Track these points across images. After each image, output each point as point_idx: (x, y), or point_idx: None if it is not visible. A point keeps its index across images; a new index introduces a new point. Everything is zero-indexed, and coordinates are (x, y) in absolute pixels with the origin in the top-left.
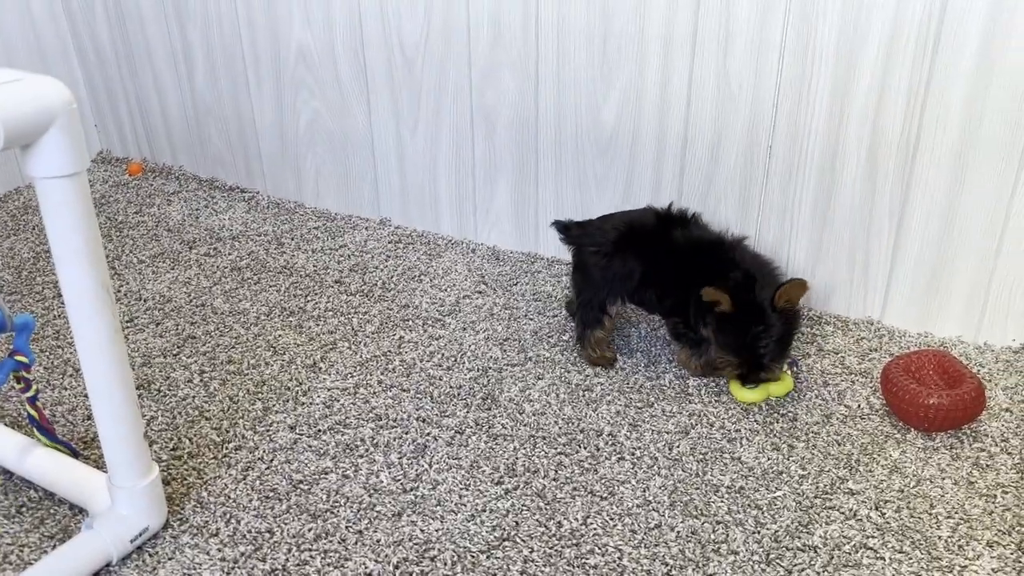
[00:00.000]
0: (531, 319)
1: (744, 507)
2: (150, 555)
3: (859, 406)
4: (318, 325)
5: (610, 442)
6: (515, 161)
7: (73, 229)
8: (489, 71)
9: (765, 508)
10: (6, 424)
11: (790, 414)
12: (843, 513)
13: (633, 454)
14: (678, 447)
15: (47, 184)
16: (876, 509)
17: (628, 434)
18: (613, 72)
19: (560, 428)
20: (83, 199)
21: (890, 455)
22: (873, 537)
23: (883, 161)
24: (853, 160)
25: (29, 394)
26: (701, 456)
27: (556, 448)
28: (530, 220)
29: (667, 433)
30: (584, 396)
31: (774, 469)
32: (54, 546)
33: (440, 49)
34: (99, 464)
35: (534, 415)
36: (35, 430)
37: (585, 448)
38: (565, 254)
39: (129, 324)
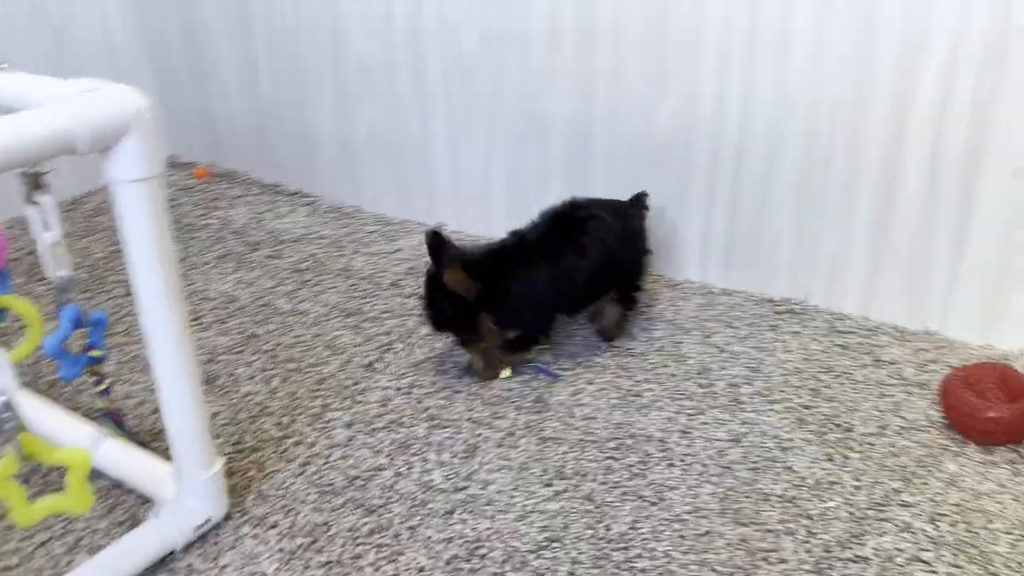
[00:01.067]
0: (581, 326)
1: (795, 516)
2: (212, 544)
3: (916, 418)
4: (375, 326)
5: (660, 448)
6: (568, 167)
7: (146, 231)
8: (545, 79)
9: (816, 518)
10: (80, 416)
11: (845, 424)
12: (896, 525)
13: (683, 461)
14: (729, 455)
15: (123, 187)
16: (931, 522)
17: (678, 441)
18: (668, 79)
19: (610, 433)
20: (156, 202)
21: (947, 468)
22: (927, 550)
23: (945, 170)
24: (914, 169)
25: (102, 387)
26: (753, 465)
27: (605, 452)
28: None
29: (718, 441)
30: (634, 402)
31: (827, 479)
32: (123, 532)
33: (496, 58)
34: (166, 456)
35: (584, 419)
36: (107, 421)
37: (634, 453)
38: None
39: (195, 322)
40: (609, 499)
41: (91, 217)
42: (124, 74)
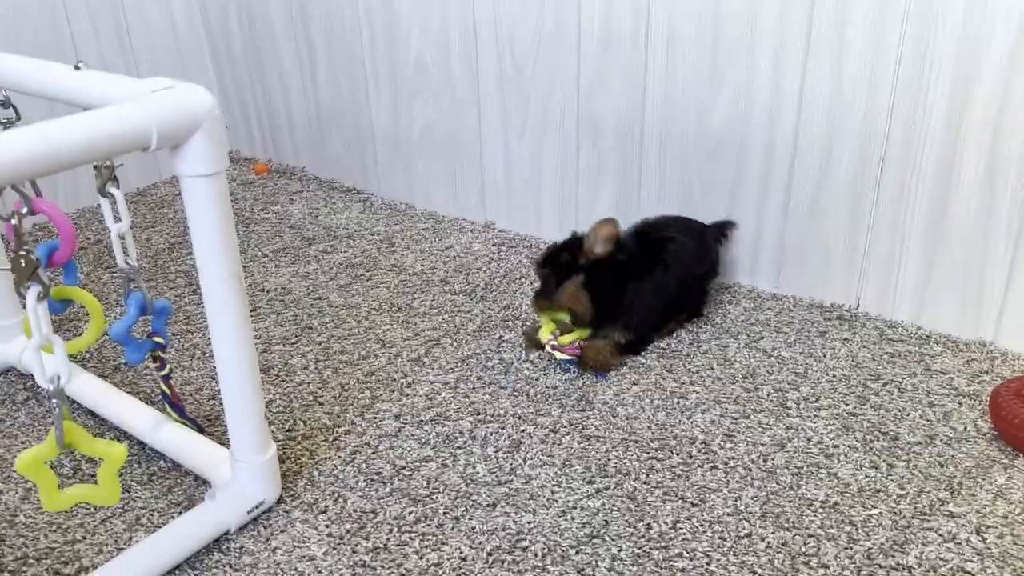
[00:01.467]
0: None
1: (838, 523)
2: (264, 527)
3: (965, 428)
4: (423, 321)
5: (703, 450)
6: (619, 165)
7: (212, 223)
8: (598, 76)
9: (859, 525)
10: (141, 399)
11: (892, 433)
12: (941, 535)
13: (726, 464)
14: (773, 459)
15: (191, 182)
16: (977, 534)
17: (722, 444)
18: (723, 77)
19: (653, 433)
20: (222, 196)
21: (995, 480)
22: (972, 561)
23: (1003, 174)
24: (971, 173)
25: (163, 373)
26: (796, 470)
27: (648, 452)
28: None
29: (762, 445)
30: (679, 404)
31: (871, 487)
32: (179, 512)
33: (550, 56)
34: (221, 440)
35: (627, 419)
36: (167, 406)
37: (677, 454)
38: None
39: (253, 313)
40: (650, 498)
41: (154, 209)
42: (188, 71)
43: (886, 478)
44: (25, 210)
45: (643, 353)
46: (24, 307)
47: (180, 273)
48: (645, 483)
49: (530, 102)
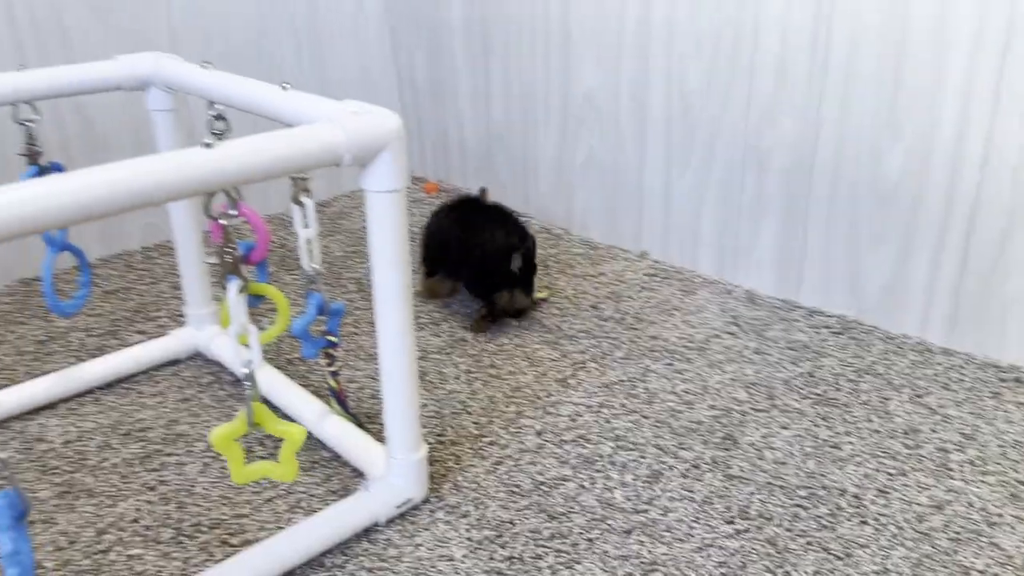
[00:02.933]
0: (783, 367)
1: None
2: (410, 523)
3: None
4: (571, 344)
5: (853, 503)
6: (784, 205)
7: (390, 235)
8: (768, 113)
9: None
10: (311, 392)
11: None
12: None
13: (877, 520)
14: (929, 521)
15: (375, 197)
16: None
17: (874, 499)
18: (902, 123)
19: (800, 480)
20: (400, 211)
21: None
22: None
23: None
24: None
25: (333, 369)
26: (954, 535)
27: (794, 499)
28: (793, 266)
29: (919, 505)
30: (831, 453)
31: None
32: (336, 500)
33: (721, 91)
34: (378, 437)
35: (774, 463)
36: (332, 400)
37: (825, 505)
38: (827, 305)
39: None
40: (792, 546)
41: (334, 220)
42: (376, 94)
43: None
44: (233, 212)
45: (798, 397)
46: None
47: (352, 279)
48: (788, 530)
49: (695, 136)
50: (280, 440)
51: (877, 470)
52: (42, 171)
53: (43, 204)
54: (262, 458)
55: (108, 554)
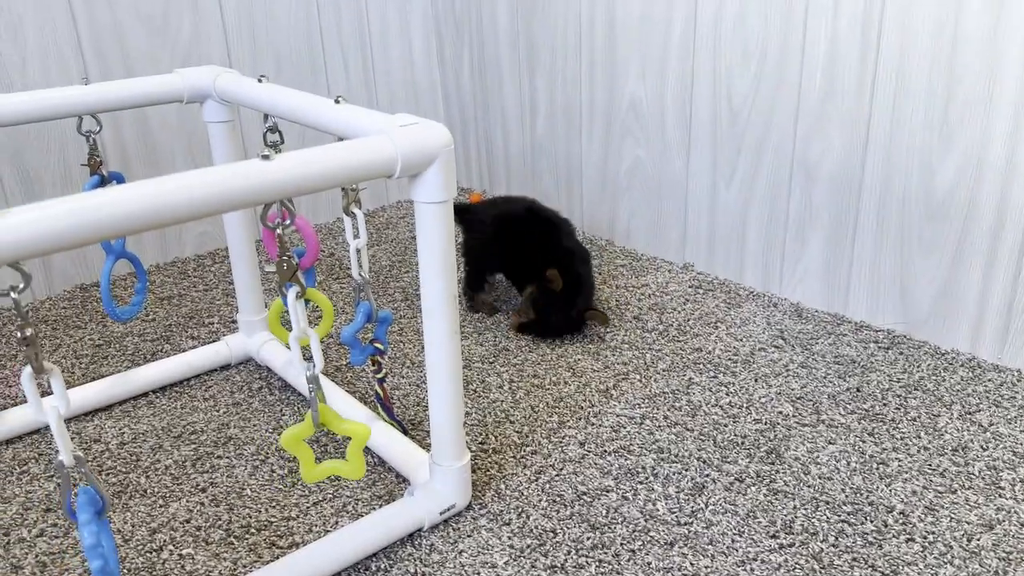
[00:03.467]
0: (830, 382)
1: None
2: (453, 529)
3: None
4: (614, 355)
5: (900, 520)
6: (832, 218)
7: (437, 245)
8: (816, 125)
9: None
10: (357, 398)
11: None
12: None
13: (925, 538)
14: (978, 540)
15: (423, 207)
16: None
17: (922, 516)
18: (953, 136)
19: (847, 496)
20: (447, 222)
21: None
22: None
23: None
24: None
25: (379, 376)
26: (1004, 555)
27: (839, 516)
28: (841, 280)
29: (968, 524)
30: (878, 469)
31: None
32: (381, 505)
33: (767, 103)
34: (422, 444)
35: (820, 478)
36: (378, 406)
37: (871, 521)
38: (876, 319)
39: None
40: (838, 562)
41: (381, 230)
42: (422, 107)
43: None
44: (288, 221)
45: (843, 411)
46: (271, 305)
47: (398, 288)
48: (833, 546)
49: (742, 148)
50: (338, 440)
51: (925, 487)
52: (103, 181)
53: (108, 214)
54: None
55: (161, 553)
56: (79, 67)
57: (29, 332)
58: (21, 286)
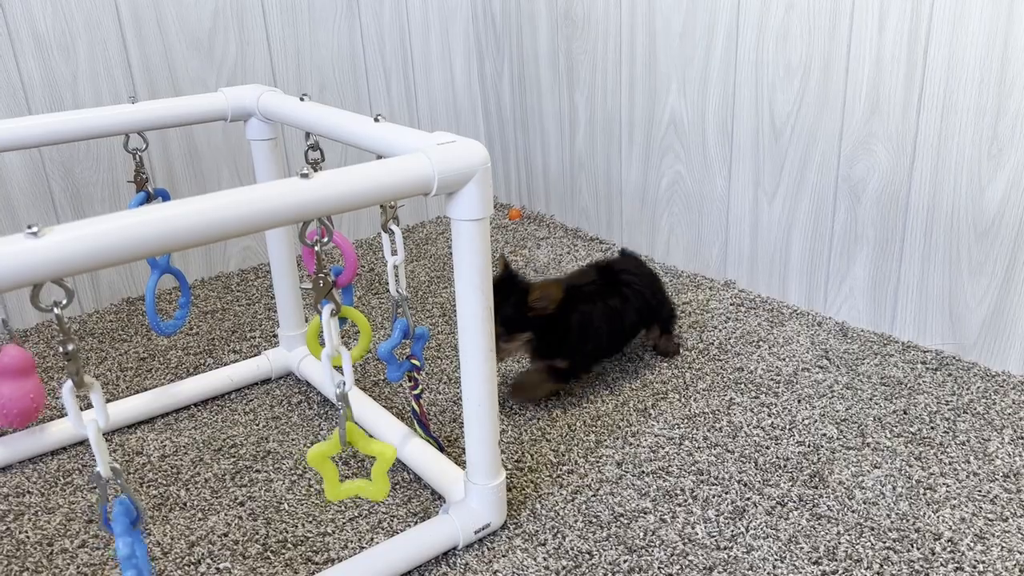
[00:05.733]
0: (876, 404)
1: None
2: (488, 548)
3: None
4: (652, 374)
5: (948, 548)
6: (878, 235)
7: (473, 262)
8: (860, 143)
9: None
10: (394, 414)
11: None
12: None
13: (975, 567)
14: None
15: (460, 225)
16: None
17: (971, 544)
18: (1004, 152)
19: (892, 523)
20: (484, 239)
21: None
22: None
23: None
24: None
25: (416, 392)
26: None
27: (884, 542)
28: (888, 299)
29: (1020, 553)
30: (925, 495)
31: None
32: (416, 522)
33: (811, 120)
34: (458, 461)
35: (864, 503)
36: (415, 423)
37: (918, 548)
38: (923, 340)
39: None
40: None
41: (419, 246)
42: (461, 124)
43: None
44: (326, 239)
45: (889, 435)
46: (309, 323)
47: (436, 304)
48: (878, 574)
49: (785, 164)
50: (367, 459)
51: (975, 514)
52: (149, 197)
53: (152, 231)
54: (348, 478)
55: (199, 566)
56: (127, 87)
57: (71, 347)
58: (64, 302)
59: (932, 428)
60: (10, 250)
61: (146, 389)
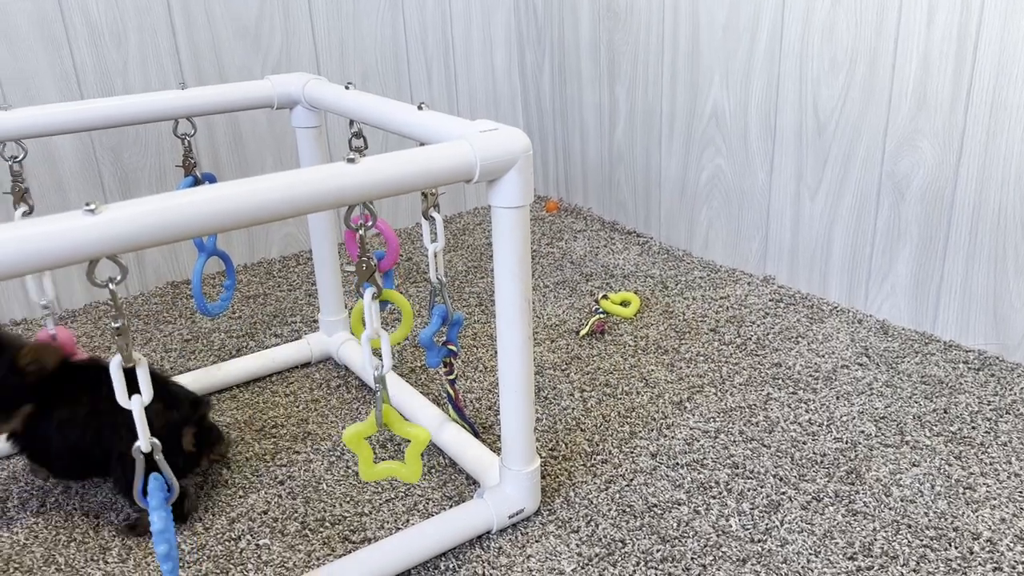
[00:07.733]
0: (916, 403)
1: None
2: (522, 533)
3: None
4: (688, 367)
5: (987, 548)
6: (922, 233)
7: (513, 250)
8: (906, 139)
9: None
10: (430, 400)
11: None
12: None
13: (1014, 568)
14: None
15: (501, 212)
16: None
17: (1011, 545)
18: None
19: (930, 521)
20: (524, 227)
21: None
22: None
23: None
24: None
25: (451, 377)
26: None
27: (922, 540)
28: (930, 297)
29: None
30: (964, 495)
31: None
32: (451, 505)
33: (855, 115)
34: (493, 447)
35: (902, 501)
36: (450, 407)
37: (956, 548)
38: (966, 339)
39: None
40: None
41: (458, 235)
42: (502, 112)
43: None
44: (370, 223)
45: (928, 433)
46: (352, 307)
47: (473, 294)
48: (914, 571)
49: (828, 160)
50: (403, 442)
51: (1015, 515)
52: (196, 181)
53: (201, 211)
54: (384, 459)
55: (239, 542)
56: (176, 74)
57: (121, 323)
58: (118, 278)
59: (973, 428)
60: (69, 226)
61: (189, 370)
